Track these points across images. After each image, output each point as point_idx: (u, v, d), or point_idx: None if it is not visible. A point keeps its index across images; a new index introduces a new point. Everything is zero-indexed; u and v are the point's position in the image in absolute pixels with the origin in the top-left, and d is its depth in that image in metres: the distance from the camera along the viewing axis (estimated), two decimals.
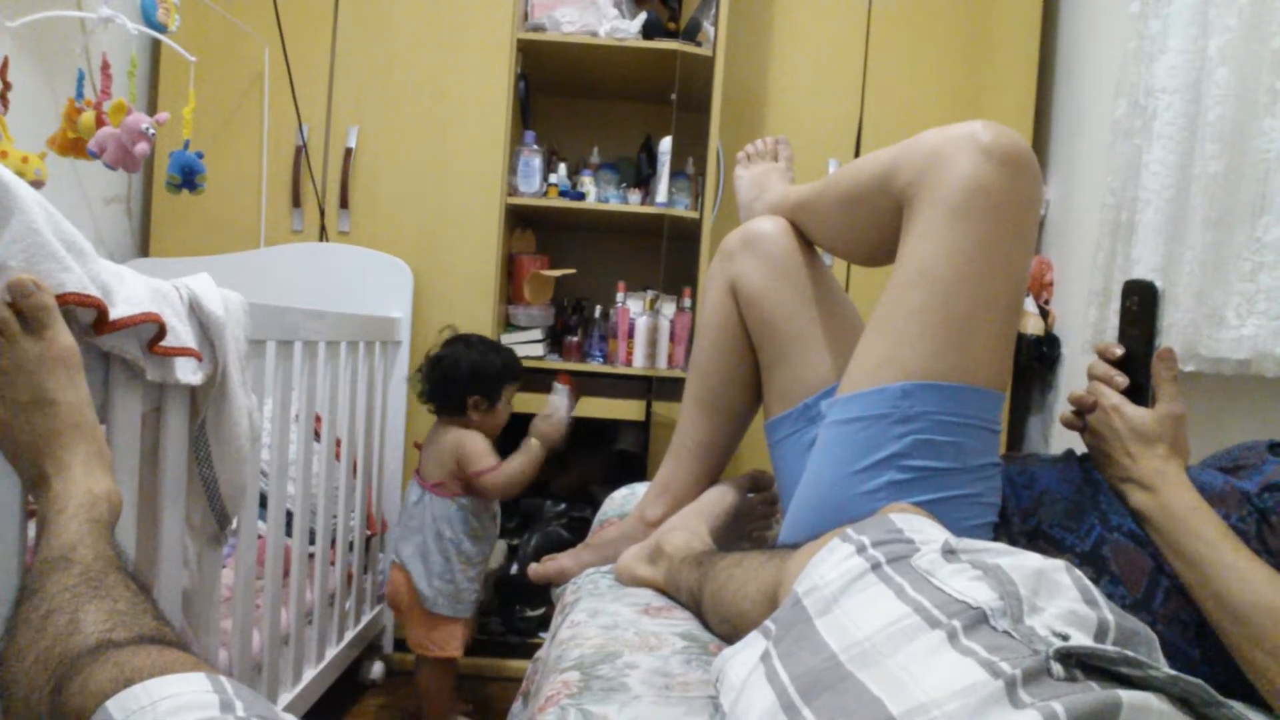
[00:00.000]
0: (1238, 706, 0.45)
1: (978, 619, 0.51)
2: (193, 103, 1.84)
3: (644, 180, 2.39)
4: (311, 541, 1.68)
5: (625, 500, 1.53)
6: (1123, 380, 0.88)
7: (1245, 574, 0.73)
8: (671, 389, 2.17)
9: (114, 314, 0.84)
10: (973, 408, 0.86)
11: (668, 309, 2.31)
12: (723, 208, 2.24)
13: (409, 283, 2.17)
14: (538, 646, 1.55)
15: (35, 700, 0.56)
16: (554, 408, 1.92)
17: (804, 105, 2.33)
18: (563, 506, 2.33)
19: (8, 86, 1.64)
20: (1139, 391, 0.88)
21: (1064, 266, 2.21)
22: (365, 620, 2.02)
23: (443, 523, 1.83)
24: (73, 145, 1.75)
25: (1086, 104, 2.20)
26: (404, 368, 2.17)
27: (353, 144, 2.20)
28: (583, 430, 2.28)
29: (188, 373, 1.01)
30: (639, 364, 2.26)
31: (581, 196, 2.26)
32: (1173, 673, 0.44)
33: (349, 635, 1.90)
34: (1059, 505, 0.90)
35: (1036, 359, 2.16)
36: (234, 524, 1.22)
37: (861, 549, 0.66)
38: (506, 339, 2.23)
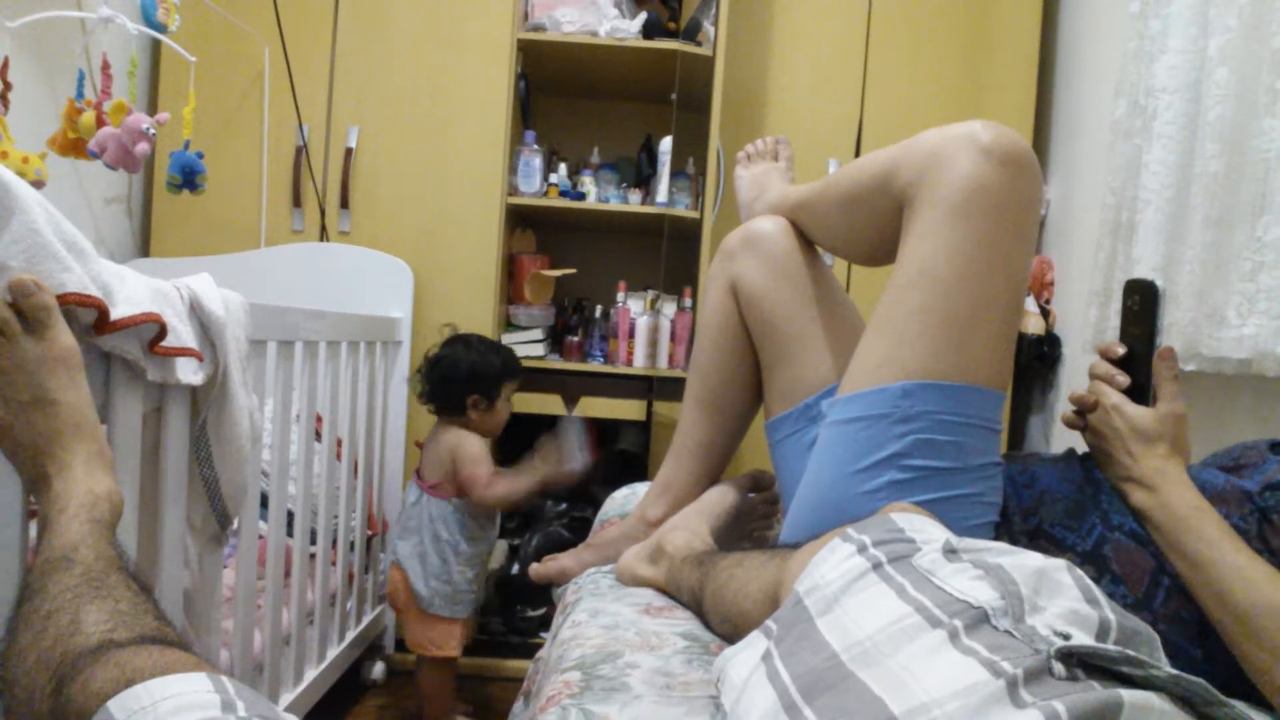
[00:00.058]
0: (1239, 706, 0.45)
1: (979, 618, 0.51)
2: (193, 103, 1.84)
3: (644, 180, 2.39)
4: (313, 541, 1.68)
5: (626, 500, 1.53)
6: (1124, 379, 0.88)
7: (1246, 573, 0.73)
8: (672, 389, 2.17)
9: (115, 314, 0.84)
10: (973, 407, 0.86)
11: (668, 309, 2.31)
12: (723, 208, 2.24)
13: (409, 283, 2.17)
14: (539, 646, 1.55)
15: (36, 700, 0.56)
16: (570, 447, 1.88)
17: (804, 105, 2.33)
18: (564, 506, 2.33)
19: (8, 87, 1.64)
20: (1140, 391, 0.88)
21: (1064, 266, 2.21)
22: (366, 620, 2.02)
23: (440, 524, 1.83)
24: (73, 145, 1.75)
25: (1086, 104, 2.20)
26: (405, 368, 2.17)
27: (353, 144, 2.20)
28: (591, 424, 2.28)
29: (188, 373, 1.01)
30: (640, 364, 2.26)
31: (582, 196, 2.26)
32: (1174, 672, 0.44)
33: (350, 635, 1.90)
34: (1060, 504, 0.90)
35: (1037, 358, 2.16)
36: (235, 524, 1.22)
37: (862, 548, 0.66)
38: (507, 339, 2.23)
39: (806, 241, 1.14)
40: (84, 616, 0.58)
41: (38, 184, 1.59)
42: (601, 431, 2.49)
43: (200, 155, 1.81)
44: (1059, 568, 0.55)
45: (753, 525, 1.26)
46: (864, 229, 1.01)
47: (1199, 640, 0.80)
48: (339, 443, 1.80)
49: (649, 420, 2.27)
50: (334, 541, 1.81)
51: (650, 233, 2.49)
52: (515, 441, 1.97)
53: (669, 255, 2.44)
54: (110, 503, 0.71)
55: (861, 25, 2.32)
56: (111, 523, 0.70)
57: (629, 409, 2.24)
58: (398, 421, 2.19)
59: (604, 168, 2.42)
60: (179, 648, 0.58)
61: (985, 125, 0.87)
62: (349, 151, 2.20)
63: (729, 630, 0.89)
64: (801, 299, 1.10)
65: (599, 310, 2.38)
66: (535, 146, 2.26)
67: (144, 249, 2.26)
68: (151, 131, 1.67)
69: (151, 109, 2.24)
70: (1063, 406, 2.16)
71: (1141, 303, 0.88)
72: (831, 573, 0.65)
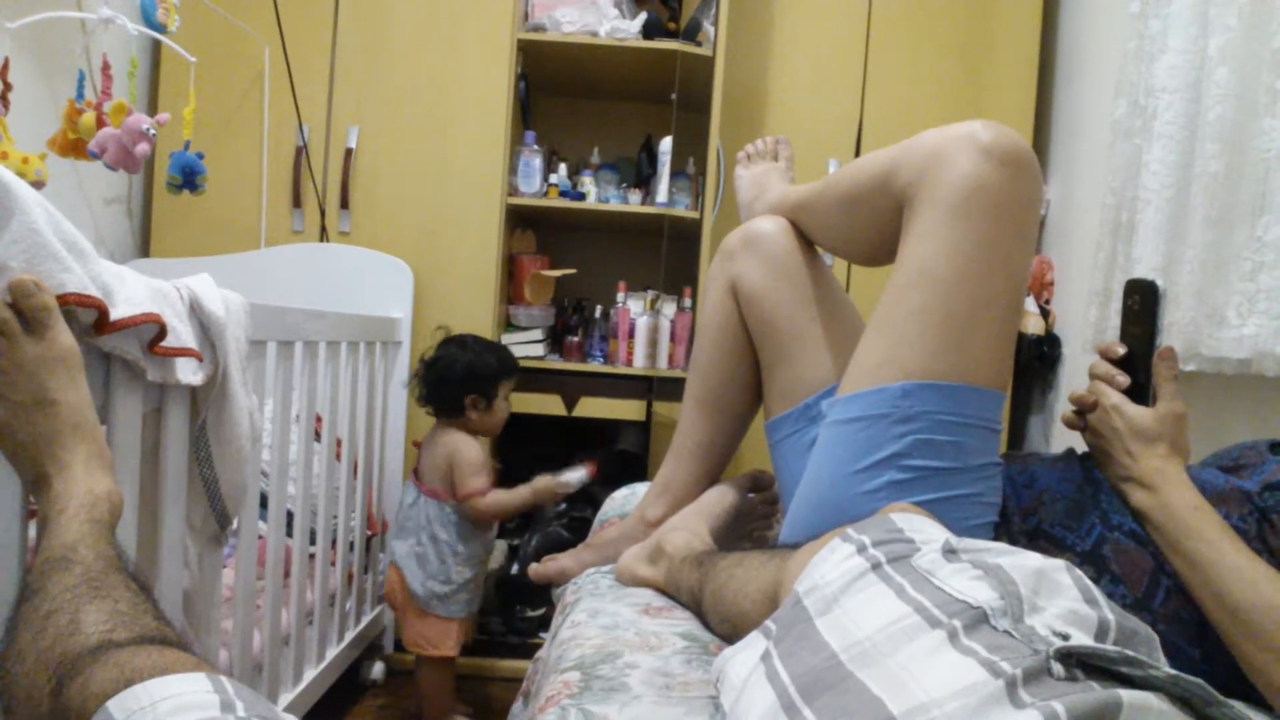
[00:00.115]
0: (1238, 706, 0.45)
1: (978, 619, 0.51)
2: (193, 103, 1.84)
3: (644, 180, 2.39)
4: (312, 542, 1.68)
5: (626, 500, 1.53)
6: (1124, 379, 0.88)
7: (1246, 573, 0.73)
8: (672, 389, 2.17)
9: (115, 314, 0.84)
10: (973, 407, 0.86)
11: (668, 309, 2.31)
12: (723, 208, 2.24)
13: (409, 283, 2.17)
14: (538, 646, 1.55)
15: (36, 700, 0.56)
16: (566, 480, 1.88)
17: (804, 105, 2.33)
18: (563, 506, 2.33)
19: (8, 87, 1.64)
20: (1140, 391, 0.88)
21: (1064, 266, 2.21)
22: (366, 620, 2.02)
23: (438, 524, 1.83)
24: (73, 146, 1.75)
25: (1086, 104, 2.20)
26: (404, 368, 2.17)
27: (353, 144, 2.20)
28: (583, 430, 2.28)
29: (188, 373, 1.01)
30: (639, 364, 2.26)
31: (582, 196, 2.26)
32: (1173, 672, 0.44)
33: (349, 635, 1.90)
34: (1059, 504, 0.90)
35: (1037, 358, 2.16)
36: (234, 524, 1.22)
37: (862, 549, 0.66)
38: (507, 339, 2.23)
39: (806, 241, 1.14)
40: (83, 617, 0.58)
41: (38, 184, 1.59)
42: (600, 432, 2.49)
43: (200, 155, 1.81)
44: (1058, 568, 0.55)
45: (752, 525, 1.26)
46: (864, 229, 1.01)
47: (1198, 640, 0.80)
48: (338, 443, 1.80)
49: (649, 420, 2.27)
50: (333, 542, 1.81)
51: (650, 233, 2.49)
52: (515, 441, 1.97)
53: (669, 255, 2.44)
54: (110, 503, 0.71)
55: (861, 25, 2.32)
56: (111, 523, 0.70)
57: (629, 409, 2.24)
58: (397, 422, 2.20)
59: (604, 168, 2.42)
60: (178, 648, 0.58)
61: (985, 125, 0.87)
62: (349, 152, 2.20)
63: (728, 630, 0.89)
64: (801, 299, 1.10)
65: (599, 310, 2.38)
66: (535, 147, 2.26)
67: (144, 249, 2.26)
68: (152, 132, 1.67)
69: (151, 109, 2.24)
70: (1062, 407, 2.16)
71: (1142, 302, 0.88)
72: (831, 573, 0.65)
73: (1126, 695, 0.43)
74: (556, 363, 2.28)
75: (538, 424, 2.22)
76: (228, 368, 1.08)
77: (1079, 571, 0.56)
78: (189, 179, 1.81)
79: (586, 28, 2.19)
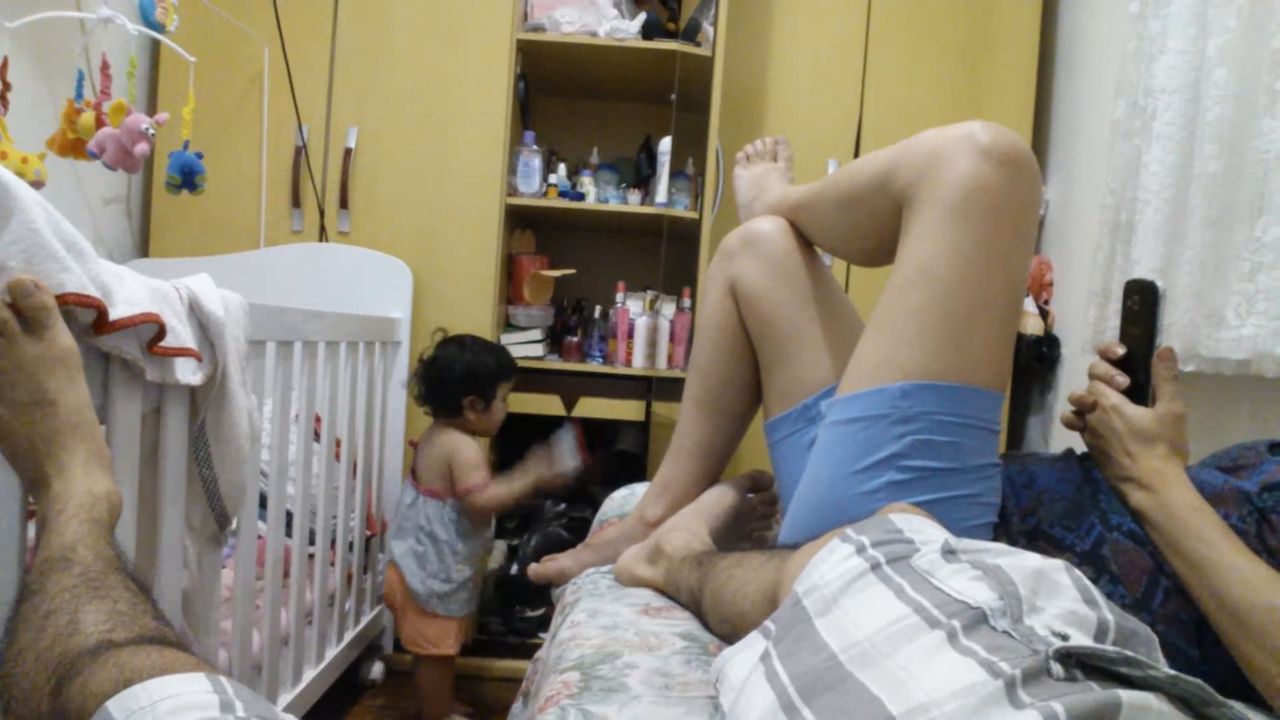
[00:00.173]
0: (1237, 706, 0.45)
1: (977, 619, 0.51)
2: (192, 103, 1.84)
3: (644, 180, 2.39)
4: (311, 542, 1.68)
5: (625, 500, 1.53)
6: (1123, 380, 0.88)
7: (1245, 574, 0.73)
8: (671, 389, 2.17)
9: (114, 314, 0.84)
10: (972, 408, 0.86)
11: (667, 309, 2.31)
12: (722, 208, 2.24)
13: (409, 283, 2.17)
14: (538, 647, 1.55)
15: (35, 700, 0.56)
16: (560, 453, 1.90)
17: (804, 105, 2.33)
18: (562, 507, 2.33)
19: (7, 87, 1.64)
20: (1139, 391, 0.88)
21: (1064, 266, 2.21)
22: (365, 621, 2.02)
23: (437, 523, 1.83)
24: (72, 146, 1.75)
25: (1086, 104, 2.20)
26: (404, 368, 2.17)
27: (352, 144, 2.20)
28: (583, 431, 2.28)
29: (187, 373, 1.01)
30: (639, 364, 2.26)
31: (581, 197, 2.26)
32: (1172, 673, 0.44)
33: (349, 636, 1.90)
34: (1058, 505, 0.90)
35: (1036, 359, 2.16)
36: (234, 524, 1.22)
37: (861, 549, 0.66)
38: (506, 339, 2.23)
39: (805, 242, 1.14)
40: (82, 617, 0.58)
41: (37, 184, 1.59)
42: (599, 432, 2.49)
43: (199, 155, 1.81)
44: (1057, 568, 0.55)
45: (752, 525, 1.26)
46: (863, 229, 1.01)
47: (1197, 640, 0.80)
48: (338, 443, 1.80)
49: (648, 421, 2.27)
50: (333, 542, 1.81)
51: (649, 233, 2.49)
52: (513, 442, 1.97)
53: (668, 255, 2.44)
54: (109, 503, 0.71)
55: (861, 25, 2.32)
56: (110, 523, 0.70)
57: (628, 409, 2.24)
58: (397, 422, 2.19)
59: (603, 168, 2.42)
60: (178, 648, 0.58)
61: (984, 126, 0.87)
62: (348, 152, 2.20)
63: (728, 631, 0.89)
64: (800, 299, 1.10)
65: (598, 311, 2.38)
66: (535, 147, 2.26)
67: (143, 249, 2.26)
68: (151, 132, 1.67)
69: (151, 109, 2.24)
70: (1062, 407, 2.16)
71: (1142, 303, 0.88)
72: (830, 573, 0.65)
73: (1126, 695, 0.43)
74: (556, 363, 2.27)
75: (537, 424, 2.22)
76: (227, 368, 1.08)
77: (1078, 572, 0.56)
78: (188, 179, 1.81)
79: (586, 28, 2.19)
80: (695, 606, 0.98)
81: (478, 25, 2.20)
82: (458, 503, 1.84)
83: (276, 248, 2.17)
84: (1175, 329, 1.48)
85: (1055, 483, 0.93)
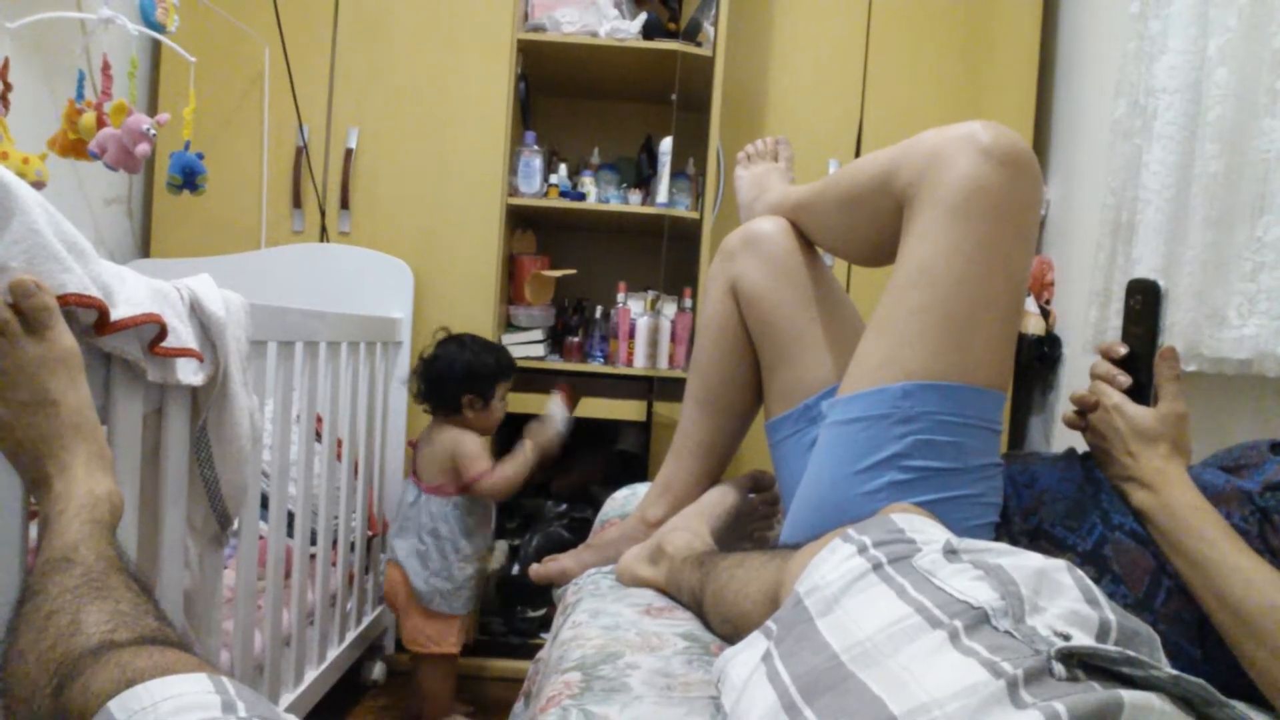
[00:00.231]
0: (1240, 706, 0.45)
1: (979, 619, 0.51)
2: (193, 103, 1.84)
3: (644, 180, 2.39)
4: (313, 542, 1.68)
5: (626, 501, 1.53)
6: (1125, 379, 0.88)
7: (1247, 573, 0.73)
8: (672, 389, 2.17)
9: (115, 315, 0.84)
10: (973, 408, 0.86)
11: (668, 309, 2.31)
12: (723, 208, 2.24)
13: (410, 283, 2.17)
14: (539, 647, 1.55)
15: (37, 701, 0.56)
16: (550, 415, 1.94)
17: (804, 105, 2.33)
18: (564, 507, 2.33)
19: (8, 88, 1.64)
20: (1141, 391, 0.88)
21: (1065, 266, 2.21)
22: (367, 621, 2.02)
23: (440, 521, 1.84)
24: (73, 146, 1.75)
25: (1086, 104, 2.20)
26: (405, 368, 2.17)
27: (353, 144, 2.20)
28: (583, 430, 2.28)
29: (189, 373, 1.01)
30: (640, 364, 2.26)
31: (582, 197, 2.26)
32: (1175, 673, 0.44)
33: (350, 636, 1.90)
34: (1060, 504, 0.90)
35: (1038, 359, 2.16)
36: (235, 525, 1.22)
37: (863, 549, 0.66)
38: (507, 339, 2.23)
39: (806, 242, 1.14)
40: (84, 617, 0.58)
41: (38, 185, 1.59)
42: (601, 432, 2.49)
43: (200, 156, 1.81)
44: (1059, 568, 0.55)
45: (753, 526, 1.26)
46: (864, 229, 1.01)
47: (1199, 640, 0.80)
48: (339, 443, 1.80)
49: (649, 421, 2.27)
50: (334, 542, 1.81)
51: (650, 233, 2.49)
52: (512, 441, 1.97)
53: (669, 256, 2.44)
54: (110, 503, 0.71)
55: (861, 25, 2.32)
56: (112, 523, 0.70)
57: (629, 409, 2.24)
58: (398, 422, 2.20)
59: (604, 168, 2.42)
60: (179, 648, 0.58)
61: (985, 126, 0.87)
62: (349, 152, 2.20)
63: (729, 631, 0.89)
64: (801, 299, 1.10)
65: (599, 311, 2.38)
66: (535, 147, 2.26)
67: (144, 250, 2.26)
68: (152, 132, 1.67)
69: (152, 110, 2.24)
70: (1063, 407, 2.16)
71: (1144, 302, 0.88)
72: (832, 573, 0.65)
73: (1128, 695, 0.43)
74: (557, 363, 2.27)
75: None
76: (228, 368, 1.08)
77: (1080, 572, 0.56)
78: (189, 179, 1.81)
79: (586, 28, 2.19)
80: (697, 607, 0.98)
81: (478, 25, 2.20)
82: (465, 496, 1.85)
83: (277, 248, 2.17)
84: (1177, 329, 1.48)
85: (1057, 482, 0.92)
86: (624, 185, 2.36)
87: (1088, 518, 0.88)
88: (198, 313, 1.03)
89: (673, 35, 2.25)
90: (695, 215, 2.25)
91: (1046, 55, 2.36)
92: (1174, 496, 0.81)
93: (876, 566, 0.63)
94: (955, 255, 0.85)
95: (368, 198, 2.22)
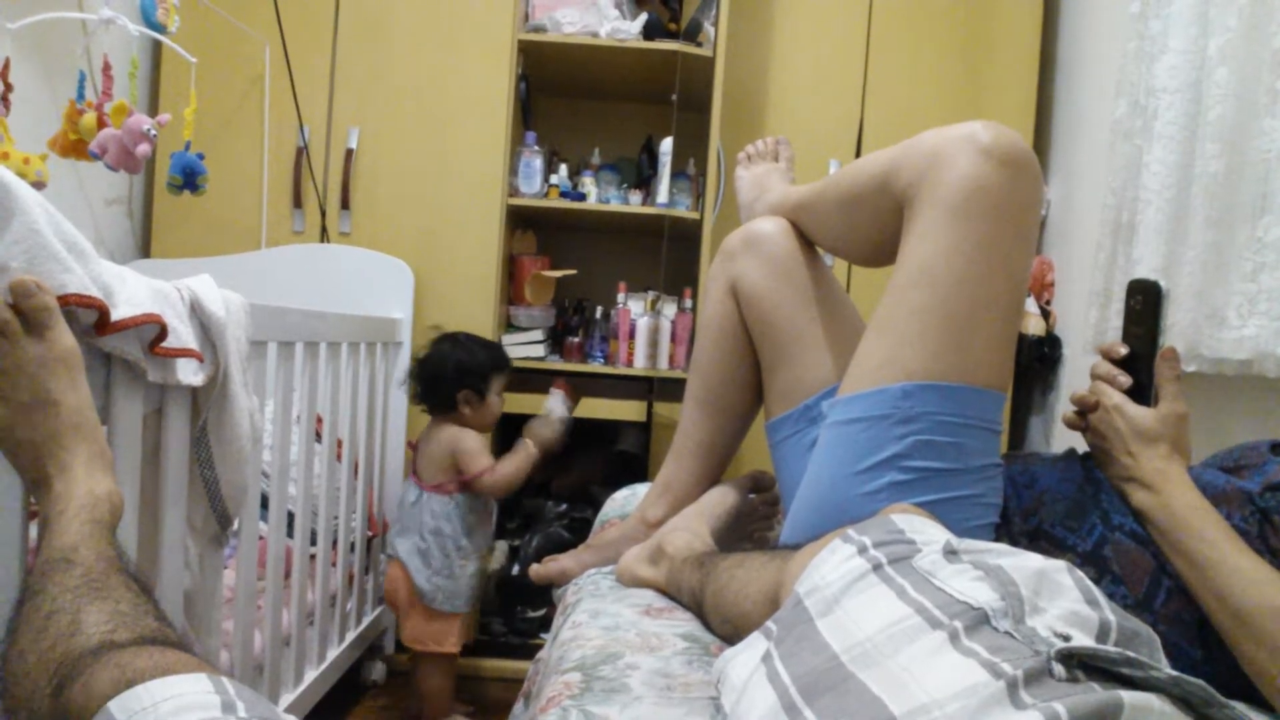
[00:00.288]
0: (1240, 707, 0.45)
1: (979, 620, 0.51)
2: (194, 104, 1.84)
3: (645, 181, 2.39)
4: (313, 542, 1.68)
5: (626, 501, 1.53)
6: (1125, 380, 0.88)
7: (1248, 574, 0.73)
8: (673, 390, 2.17)
9: (115, 315, 0.84)
10: (974, 408, 0.86)
11: (669, 309, 2.31)
12: (723, 208, 2.24)
13: (410, 284, 2.17)
14: (539, 647, 1.55)
15: (37, 701, 0.56)
16: (550, 411, 1.94)
17: (804, 105, 2.33)
18: (564, 507, 2.33)
19: (9, 88, 1.64)
20: (1142, 391, 0.88)
21: (1065, 267, 2.21)
22: (367, 621, 2.02)
23: (441, 520, 1.84)
24: (74, 147, 1.75)
25: (1086, 104, 2.20)
26: (405, 369, 2.17)
27: (353, 145, 2.21)
28: (583, 431, 2.28)
29: (189, 374, 1.01)
30: (640, 365, 2.26)
31: (582, 197, 2.26)
32: (1174, 673, 0.44)
33: (350, 636, 1.90)
34: (1060, 505, 0.90)
35: (1038, 359, 2.16)
36: (235, 525, 1.22)
37: (863, 550, 0.66)
38: (507, 340, 2.23)
39: (807, 242, 1.14)
40: (84, 617, 0.58)
41: (38, 185, 1.59)
42: (601, 432, 2.49)
43: (201, 156, 1.81)
44: (1059, 569, 0.55)
45: (753, 526, 1.26)
46: (864, 229, 1.01)
47: (1199, 641, 0.80)
48: (339, 444, 1.80)
49: (649, 421, 2.27)
50: (334, 542, 1.81)
51: (651, 233, 2.49)
52: (511, 440, 1.97)
53: (669, 256, 2.44)
54: (110, 503, 0.71)
55: (862, 25, 2.32)
56: (112, 524, 0.70)
57: (629, 410, 2.24)
58: (398, 422, 2.20)
59: (605, 168, 2.42)
60: (179, 648, 0.58)
61: (985, 126, 0.87)
62: (349, 152, 2.20)
63: (729, 631, 0.89)
64: (802, 299, 1.10)
65: (599, 311, 2.38)
66: (536, 147, 2.26)
67: (145, 250, 2.26)
68: (152, 133, 1.67)
69: (152, 110, 2.24)
70: (1063, 407, 2.16)
71: (1145, 303, 0.88)
72: (832, 574, 0.65)
73: (1128, 696, 0.43)
74: (557, 363, 2.27)
75: None
76: (228, 368, 1.08)
77: (1080, 572, 0.56)
78: (190, 179, 1.81)
79: (587, 28, 2.19)
80: (697, 607, 0.98)
81: (479, 26, 2.20)
82: (466, 494, 1.85)
83: (278, 248, 2.17)
84: (1177, 329, 1.48)
85: (1057, 483, 0.92)
86: (624, 185, 2.36)
87: (1088, 518, 0.88)
88: (198, 313, 1.03)
89: (673, 35, 2.25)
90: (695, 215, 2.25)
91: (1047, 55, 2.36)
92: (1174, 497, 0.81)
93: (876, 567, 0.63)
94: (955, 255, 0.85)
95: (368, 198, 2.22)
